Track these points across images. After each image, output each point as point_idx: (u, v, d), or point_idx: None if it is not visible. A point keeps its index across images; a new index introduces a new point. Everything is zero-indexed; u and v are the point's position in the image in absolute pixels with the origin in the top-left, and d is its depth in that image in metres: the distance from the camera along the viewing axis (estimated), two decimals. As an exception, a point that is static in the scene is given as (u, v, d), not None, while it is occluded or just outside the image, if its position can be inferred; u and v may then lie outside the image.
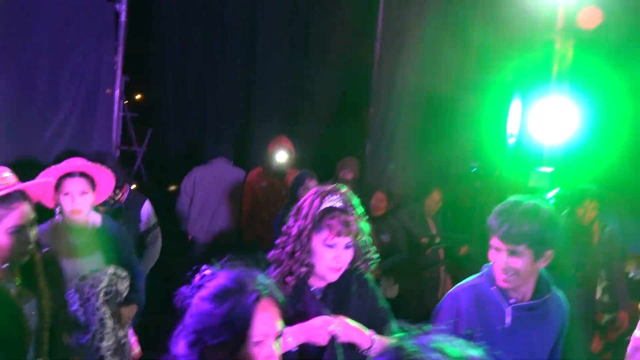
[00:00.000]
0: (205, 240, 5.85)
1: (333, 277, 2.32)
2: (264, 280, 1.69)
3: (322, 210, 2.29)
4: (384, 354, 1.15)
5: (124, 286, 3.37)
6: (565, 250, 4.97)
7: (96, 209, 3.69)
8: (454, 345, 1.13)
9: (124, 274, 3.38)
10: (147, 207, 4.80)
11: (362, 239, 2.36)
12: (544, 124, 5.99)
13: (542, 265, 2.49)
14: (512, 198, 2.54)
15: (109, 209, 4.47)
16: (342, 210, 2.31)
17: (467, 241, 5.73)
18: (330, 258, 2.28)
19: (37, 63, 5.13)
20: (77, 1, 5.46)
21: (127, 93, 7.69)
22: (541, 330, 2.52)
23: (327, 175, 6.12)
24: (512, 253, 2.41)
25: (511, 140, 5.27)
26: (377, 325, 2.34)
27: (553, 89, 6.19)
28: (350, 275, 2.38)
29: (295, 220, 2.33)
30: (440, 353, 1.10)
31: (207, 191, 5.84)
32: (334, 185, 2.37)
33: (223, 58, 7.14)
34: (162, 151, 7.75)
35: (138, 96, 9.20)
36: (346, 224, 2.27)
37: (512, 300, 2.50)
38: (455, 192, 5.94)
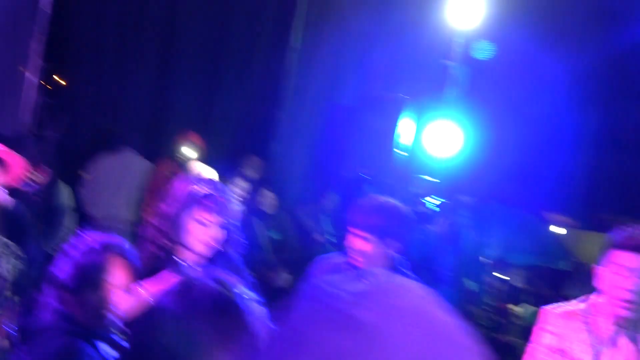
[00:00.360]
0: (106, 226, 6.07)
1: (204, 251, 2.61)
2: (122, 244, 2.12)
3: (195, 193, 2.59)
4: (175, 285, 1.41)
5: (15, 265, 3.35)
6: (441, 252, 5.55)
7: (15, 190, 3.87)
8: (236, 283, 1.38)
9: (20, 253, 3.48)
10: (64, 189, 5.06)
11: (232, 222, 2.67)
12: (436, 140, 6.59)
13: (389, 252, 2.92)
14: (373, 196, 2.99)
15: (28, 189, 4.69)
16: (214, 194, 2.60)
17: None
18: (202, 234, 2.58)
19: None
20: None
21: (47, 80, 7.79)
22: None
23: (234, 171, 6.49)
24: (361, 238, 2.86)
25: (401, 151, 5.80)
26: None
27: (446, 109, 6.80)
28: (220, 255, 2.68)
29: (168, 202, 2.62)
30: (220, 284, 1.34)
31: (110, 179, 6.07)
32: (207, 174, 2.72)
33: (139, 53, 7.36)
34: (76, 138, 7.88)
35: (57, 83, 9.24)
36: (217, 205, 2.58)
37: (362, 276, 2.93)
38: (349, 194, 6.42)
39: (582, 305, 2.61)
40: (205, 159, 6.27)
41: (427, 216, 5.69)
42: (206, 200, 2.58)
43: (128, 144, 6.19)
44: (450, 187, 6.25)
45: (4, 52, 5.61)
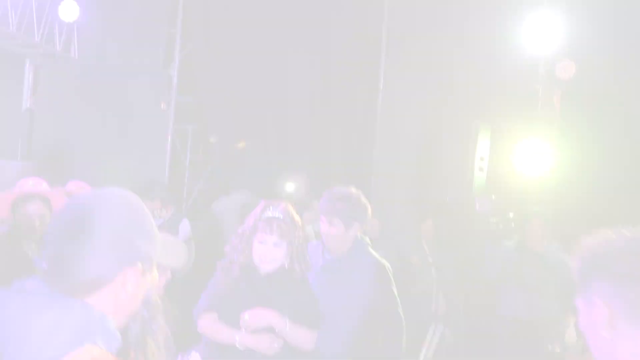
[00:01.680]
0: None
1: (265, 267, 2.97)
2: None
3: (262, 216, 2.96)
4: None
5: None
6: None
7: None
8: None
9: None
10: (185, 224, 5.97)
11: (299, 244, 3.02)
12: (523, 160, 6.82)
13: (352, 233, 3.43)
14: (339, 188, 3.51)
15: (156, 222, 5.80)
16: (277, 218, 2.95)
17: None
18: (261, 252, 2.94)
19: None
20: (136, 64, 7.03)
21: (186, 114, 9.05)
22: (343, 279, 3.43)
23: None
24: (329, 223, 3.41)
25: (480, 173, 6.18)
26: (309, 318, 3.02)
27: (535, 130, 7.01)
28: (288, 273, 3.02)
29: (244, 223, 3.03)
30: None
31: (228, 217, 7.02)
32: (281, 200, 3.14)
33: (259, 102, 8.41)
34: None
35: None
36: (276, 227, 2.93)
37: (327, 255, 3.52)
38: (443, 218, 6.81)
39: None
40: (311, 195, 7.06)
41: (500, 232, 5.95)
42: (266, 223, 2.95)
43: (242, 186, 7.20)
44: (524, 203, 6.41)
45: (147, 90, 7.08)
